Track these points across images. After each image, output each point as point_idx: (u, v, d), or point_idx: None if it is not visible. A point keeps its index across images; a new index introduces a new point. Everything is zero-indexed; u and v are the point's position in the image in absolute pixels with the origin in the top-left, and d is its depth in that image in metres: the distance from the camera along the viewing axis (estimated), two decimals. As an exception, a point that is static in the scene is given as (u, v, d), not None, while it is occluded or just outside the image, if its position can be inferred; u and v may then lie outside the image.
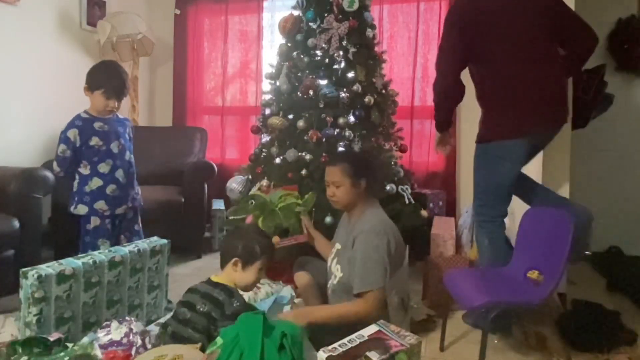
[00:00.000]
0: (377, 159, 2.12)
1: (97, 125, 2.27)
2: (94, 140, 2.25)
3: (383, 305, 1.74)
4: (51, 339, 1.56)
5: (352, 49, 2.69)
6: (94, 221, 2.27)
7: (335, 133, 2.59)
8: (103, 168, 2.27)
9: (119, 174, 2.32)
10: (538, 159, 2.26)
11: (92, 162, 2.26)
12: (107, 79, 2.27)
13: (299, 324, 1.51)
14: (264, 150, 2.86)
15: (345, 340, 1.26)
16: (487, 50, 1.87)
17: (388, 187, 2.58)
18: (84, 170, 2.26)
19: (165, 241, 2.13)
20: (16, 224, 2.38)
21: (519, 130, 1.88)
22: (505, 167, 1.96)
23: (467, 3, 1.90)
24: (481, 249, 2.13)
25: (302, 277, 2.07)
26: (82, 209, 2.26)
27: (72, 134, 2.21)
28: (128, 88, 2.36)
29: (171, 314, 1.69)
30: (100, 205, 2.26)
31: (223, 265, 1.67)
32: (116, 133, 2.34)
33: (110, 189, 2.28)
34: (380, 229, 1.78)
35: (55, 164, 2.26)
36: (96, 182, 2.26)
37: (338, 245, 1.97)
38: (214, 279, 1.65)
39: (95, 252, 1.96)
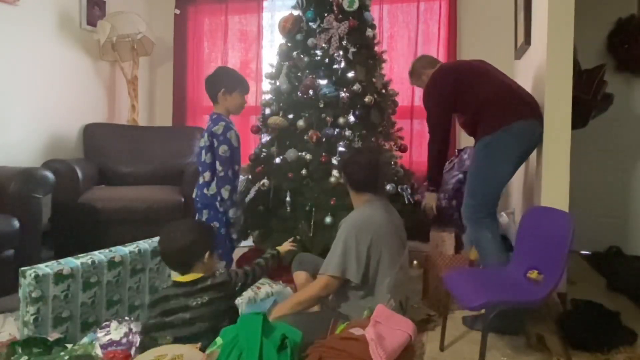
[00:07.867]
0: (357, 153, 2.14)
1: (234, 128, 2.35)
2: (237, 143, 2.32)
3: (334, 292, 1.85)
4: (51, 339, 1.56)
5: (352, 49, 2.69)
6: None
7: (335, 133, 2.58)
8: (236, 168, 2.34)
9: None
10: (538, 158, 2.26)
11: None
12: (236, 77, 2.41)
13: (272, 319, 1.60)
14: (264, 150, 2.85)
15: None
16: (476, 86, 2.25)
17: (388, 187, 2.57)
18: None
19: (165, 241, 2.12)
20: (16, 224, 2.37)
21: (521, 114, 2.12)
22: (513, 153, 2.13)
23: (450, 74, 2.33)
24: (484, 246, 2.16)
25: (301, 276, 2.07)
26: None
27: (232, 135, 2.28)
28: None
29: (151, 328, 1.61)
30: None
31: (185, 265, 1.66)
32: None
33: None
34: (359, 224, 1.84)
35: (219, 163, 2.28)
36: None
37: None
38: (183, 279, 1.64)
39: (95, 252, 1.96)
